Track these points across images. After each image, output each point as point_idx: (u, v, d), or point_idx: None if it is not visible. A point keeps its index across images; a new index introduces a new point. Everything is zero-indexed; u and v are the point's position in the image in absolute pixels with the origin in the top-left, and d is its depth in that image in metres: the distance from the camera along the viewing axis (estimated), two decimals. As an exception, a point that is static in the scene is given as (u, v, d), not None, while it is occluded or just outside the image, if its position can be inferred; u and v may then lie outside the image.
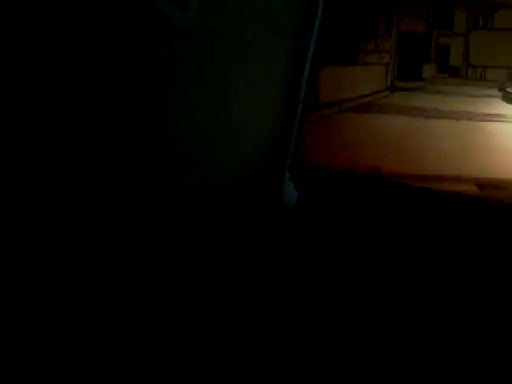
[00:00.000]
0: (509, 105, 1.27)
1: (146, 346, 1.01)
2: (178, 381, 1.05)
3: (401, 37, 1.43)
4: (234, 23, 1.12)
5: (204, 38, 1.03)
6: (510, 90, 1.29)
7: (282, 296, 1.13)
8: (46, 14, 0.72)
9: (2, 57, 0.66)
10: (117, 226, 0.91)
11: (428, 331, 1.02)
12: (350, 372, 1.02)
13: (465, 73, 1.49)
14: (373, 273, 1.09)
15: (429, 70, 1.50)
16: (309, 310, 1.09)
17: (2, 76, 0.67)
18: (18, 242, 0.74)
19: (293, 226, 1.20)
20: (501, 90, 1.35)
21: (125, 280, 0.94)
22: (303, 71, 1.33)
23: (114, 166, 0.88)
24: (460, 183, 1.15)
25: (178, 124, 1.01)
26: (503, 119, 1.26)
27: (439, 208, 1.12)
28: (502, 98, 1.32)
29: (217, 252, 1.17)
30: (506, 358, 0.96)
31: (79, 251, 0.85)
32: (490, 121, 1.28)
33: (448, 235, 1.08)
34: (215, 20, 1.06)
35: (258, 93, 1.24)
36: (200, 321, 1.11)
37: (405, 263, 1.08)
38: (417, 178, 1.18)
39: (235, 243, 1.22)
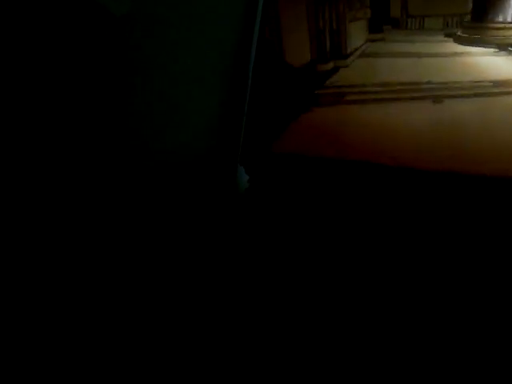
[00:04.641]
0: (463, 45, 1.47)
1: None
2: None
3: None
4: (175, 9, 1.09)
5: (140, 26, 1.02)
6: (459, 33, 1.48)
7: (235, 273, 1.15)
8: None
9: None
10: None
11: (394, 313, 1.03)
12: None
13: (405, 24, 1.62)
14: (325, 252, 1.11)
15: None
16: (261, 291, 1.12)
17: None
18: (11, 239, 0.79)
19: (244, 209, 1.24)
20: (447, 35, 1.53)
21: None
22: (251, 42, 1.30)
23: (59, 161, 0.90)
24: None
25: (117, 113, 1.02)
26: (469, 55, 1.42)
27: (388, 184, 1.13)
28: (454, 41, 1.51)
29: (169, 235, 1.19)
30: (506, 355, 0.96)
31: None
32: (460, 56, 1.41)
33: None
34: (153, 7, 1.04)
35: (203, 75, 1.25)
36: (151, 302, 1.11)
37: (356, 240, 1.10)
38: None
39: (187, 227, 1.23)
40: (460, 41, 1.43)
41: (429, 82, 1.37)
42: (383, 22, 1.54)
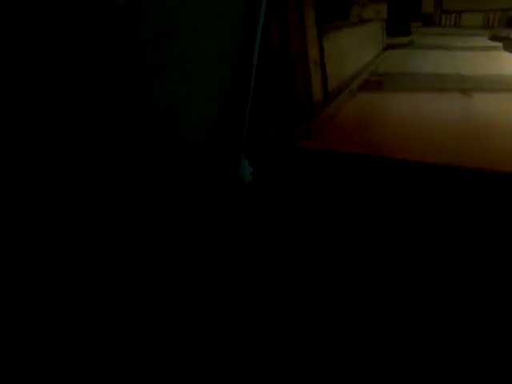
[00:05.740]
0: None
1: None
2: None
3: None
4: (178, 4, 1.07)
5: (143, 16, 1.00)
6: (512, 36, 1.13)
7: (239, 266, 1.13)
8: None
9: None
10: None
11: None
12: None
13: (438, 20, 1.25)
14: (330, 247, 1.09)
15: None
16: (263, 287, 1.10)
17: None
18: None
19: (248, 202, 1.22)
20: (494, 38, 1.18)
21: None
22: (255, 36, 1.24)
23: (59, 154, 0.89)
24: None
25: (119, 103, 1.00)
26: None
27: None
28: (506, 50, 1.16)
29: (172, 230, 1.17)
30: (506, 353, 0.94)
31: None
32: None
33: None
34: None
35: (206, 66, 1.20)
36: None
37: (359, 235, 1.08)
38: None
39: (189, 220, 1.21)
40: (513, 48, 1.09)
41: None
42: (413, 19, 1.17)
